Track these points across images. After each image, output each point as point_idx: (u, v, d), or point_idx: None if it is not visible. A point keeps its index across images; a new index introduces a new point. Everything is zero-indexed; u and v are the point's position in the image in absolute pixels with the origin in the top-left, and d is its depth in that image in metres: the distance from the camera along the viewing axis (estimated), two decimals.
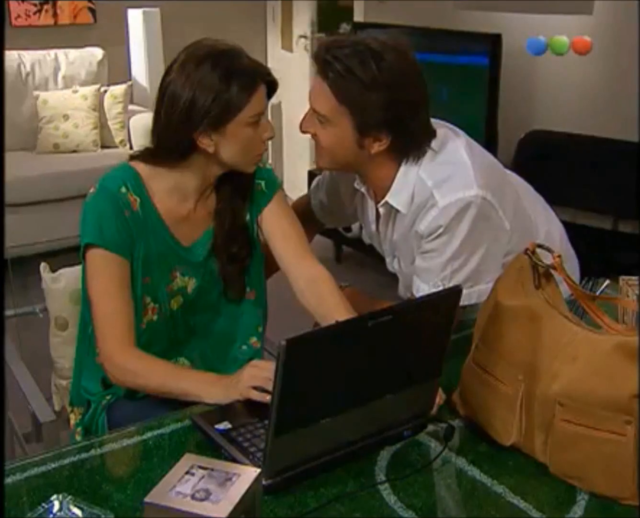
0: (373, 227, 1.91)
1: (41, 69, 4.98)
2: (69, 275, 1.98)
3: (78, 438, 1.76)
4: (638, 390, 1.20)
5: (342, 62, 1.63)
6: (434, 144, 1.74)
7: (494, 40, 3.83)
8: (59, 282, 1.99)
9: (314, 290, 1.76)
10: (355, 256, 4.59)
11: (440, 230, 1.70)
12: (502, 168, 1.92)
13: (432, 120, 1.78)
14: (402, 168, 1.74)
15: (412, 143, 1.72)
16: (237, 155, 1.66)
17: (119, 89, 4.93)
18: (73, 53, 5.07)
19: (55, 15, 5.20)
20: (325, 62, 1.65)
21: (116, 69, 5.23)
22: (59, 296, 1.99)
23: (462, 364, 1.47)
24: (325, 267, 1.80)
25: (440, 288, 1.70)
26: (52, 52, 5.03)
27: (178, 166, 1.67)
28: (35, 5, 5.12)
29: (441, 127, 1.80)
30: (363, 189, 1.84)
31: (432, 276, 1.75)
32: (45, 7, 5.15)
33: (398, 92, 1.64)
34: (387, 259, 1.96)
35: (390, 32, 4.46)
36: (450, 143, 1.76)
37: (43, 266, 2.00)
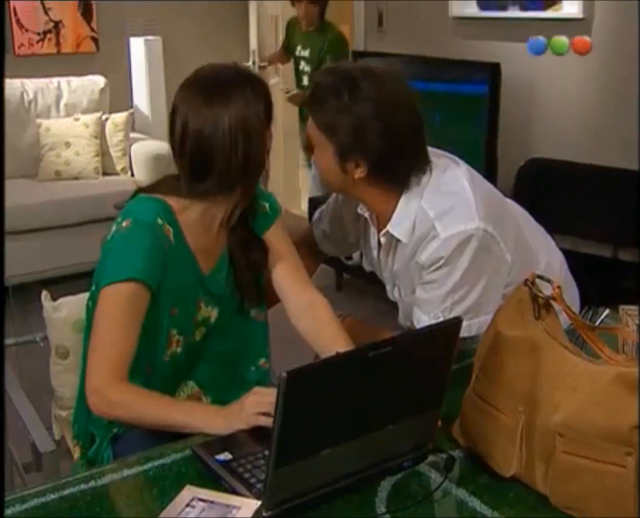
0: (375, 253, 1.92)
1: (44, 97, 5.01)
2: (70, 304, 1.98)
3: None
4: (638, 421, 1.20)
5: (320, 88, 1.70)
6: (435, 174, 1.75)
7: (493, 69, 3.86)
8: (60, 311, 1.99)
9: (310, 316, 1.78)
10: (355, 283, 4.59)
11: (441, 262, 1.71)
12: (503, 198, 1.93)
13: (433, 150, 1.80)
14: (404, 198, 1.75)
15: (391, 171, 1.73)
16: (266, 159, 1.72)
17: (120, 117, 4.96)
18: (75, 81, 5.11)
19: (58, 44, 5.25)
20: (312, 89, 1.74)
21: (118, 96, 5.26)
22: (60, 325, 1.99)
23: (463, 394, 1.47)
24: (325, 294, 1.81)
25: (441, 319, 1.70)
26: (55, 80, 5.06)
27: (214, 198, 1.67)
28: (38, 34, 5.16)
29: (441, 157, 1.81)
30: (366, 215, 1.85)
31: (432, 307, 1.75)
32: (48, 36, 5.20)
33: (369, 121, 1.66)
34: (388, 288, 1.97)
35: (389, 61, 4.50)
36: (450, 173, 1.78)
37: (44, 295, 2.00)
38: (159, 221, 1.63)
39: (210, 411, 1.56)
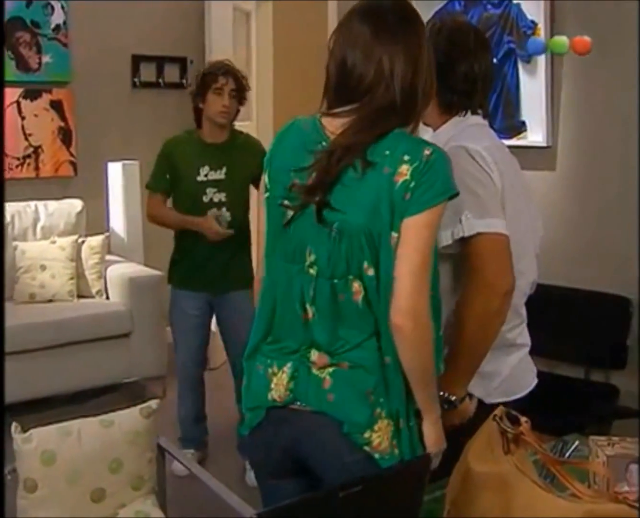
0: None
1: (21, 220, 5.03)
2: (40, 435, 1.96)
3: None
4: None
5: None
6: (481, 133, 1.95)
7: None
8: (30, 442, 1.97)
9: None
10: None
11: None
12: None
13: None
14: (453, 120, 1.97)
15: (441, 93, 1.90)
16: None
17: (96, 240, 4.99)
18: (52, 204, 5.15)
19: (37, 168, 5.32)
20: None
21: (95, 219, 5.30)
22: (30, 457, 1.96)
23: None
24: None
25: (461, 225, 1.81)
26: (32, 203, 5.10)
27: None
28: (18, 159, 5.24)
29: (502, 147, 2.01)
30: None
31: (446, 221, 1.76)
32: (27, 160, 5.28)
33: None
34: None
35: None
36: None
37: (14, 426, 1.98)
38: None
39: None
